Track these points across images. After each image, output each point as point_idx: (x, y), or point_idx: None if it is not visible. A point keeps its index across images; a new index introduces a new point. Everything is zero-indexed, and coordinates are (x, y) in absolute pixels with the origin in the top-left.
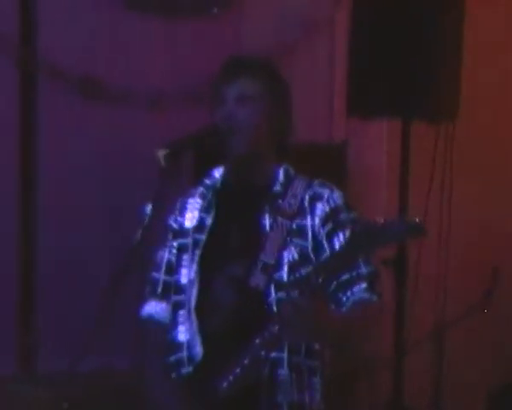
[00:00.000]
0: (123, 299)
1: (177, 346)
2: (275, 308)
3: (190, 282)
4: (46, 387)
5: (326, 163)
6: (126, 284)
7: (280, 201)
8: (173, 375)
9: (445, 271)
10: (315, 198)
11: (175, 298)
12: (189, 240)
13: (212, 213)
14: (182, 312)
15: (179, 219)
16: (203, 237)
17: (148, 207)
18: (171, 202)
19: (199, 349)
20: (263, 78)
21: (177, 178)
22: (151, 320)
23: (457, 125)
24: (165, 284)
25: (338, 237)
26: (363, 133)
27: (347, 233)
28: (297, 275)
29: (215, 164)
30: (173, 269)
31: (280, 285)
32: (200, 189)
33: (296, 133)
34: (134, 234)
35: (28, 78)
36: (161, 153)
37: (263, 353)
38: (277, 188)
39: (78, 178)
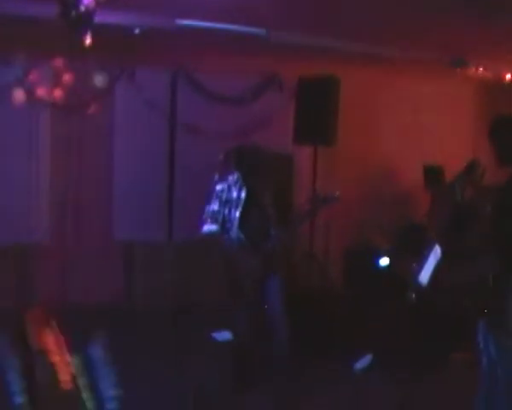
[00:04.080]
0: None
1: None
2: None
3: (237, 216)
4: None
5: (284, 164)
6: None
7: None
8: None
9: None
10: None
11: (226, 225)
12: (234, 202)
13: (244, 191)
14: (231, 229)
15: (228, 195)
16: (241, 201)
17: (216, 176)
18: (224, 180)
19: (237, 235)
20: None
21: (227, 167)
22: (211, 233)
23: (338, 148)
24: (223, 219)
25: None
26: (300, 151)
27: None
28: None
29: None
30: (225, 214)
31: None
32: (233, 179)
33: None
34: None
35: (172, 127)
36: (221, 156)
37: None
38: None
39: (187, 167)
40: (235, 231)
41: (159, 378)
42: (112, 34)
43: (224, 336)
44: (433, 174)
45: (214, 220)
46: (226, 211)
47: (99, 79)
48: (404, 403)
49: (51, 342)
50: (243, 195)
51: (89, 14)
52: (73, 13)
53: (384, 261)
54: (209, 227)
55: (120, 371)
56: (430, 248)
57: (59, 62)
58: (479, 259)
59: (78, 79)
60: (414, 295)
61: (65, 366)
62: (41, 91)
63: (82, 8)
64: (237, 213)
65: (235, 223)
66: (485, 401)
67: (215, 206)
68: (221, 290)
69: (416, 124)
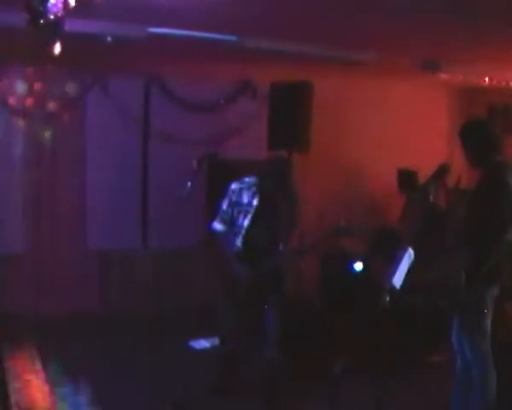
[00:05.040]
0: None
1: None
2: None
3: (244, 225)
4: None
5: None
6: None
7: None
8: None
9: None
10: None
11: (234, 229)
12: (244, 208)
13: (256, 198)
14: (238, 236)
15: (238, 198)
16: (251, 209)
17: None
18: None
19: (241, 247)
20: None
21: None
22: (218, 231)
23: (312, 153)
24: (231, 220)
25: None
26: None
27: None
28: None
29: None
30: (234, 217)
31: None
32: (249, 183)
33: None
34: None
35: (145, 135)
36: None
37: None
38: None
39: (161, 175)
40: (239, 239)
41: (136, 387)
42: (84, 42)
43: (202, 344)
44: (406, 178)
45: (222, 220)
46: (235, 213)
47: (71, 88)
48: (381, 405)
49: (28, 368)
50: (255, 202)
51: (58, 21)
52: (42, 21)
53: (358, 266)
54: (216, 226)
55: (97, 380)
56: (403, 251)
57: (30, 71)
58: (451, 258)
59: (49, 87)
60: (388, 298)
61: (41, 392)
62: (12, 100)
63: (50, 16)
64: (246, 222)
65: (242, 231)
66: (460, 403)
67: (224, 205)
68: (198, 298)
69: (389, 128)
